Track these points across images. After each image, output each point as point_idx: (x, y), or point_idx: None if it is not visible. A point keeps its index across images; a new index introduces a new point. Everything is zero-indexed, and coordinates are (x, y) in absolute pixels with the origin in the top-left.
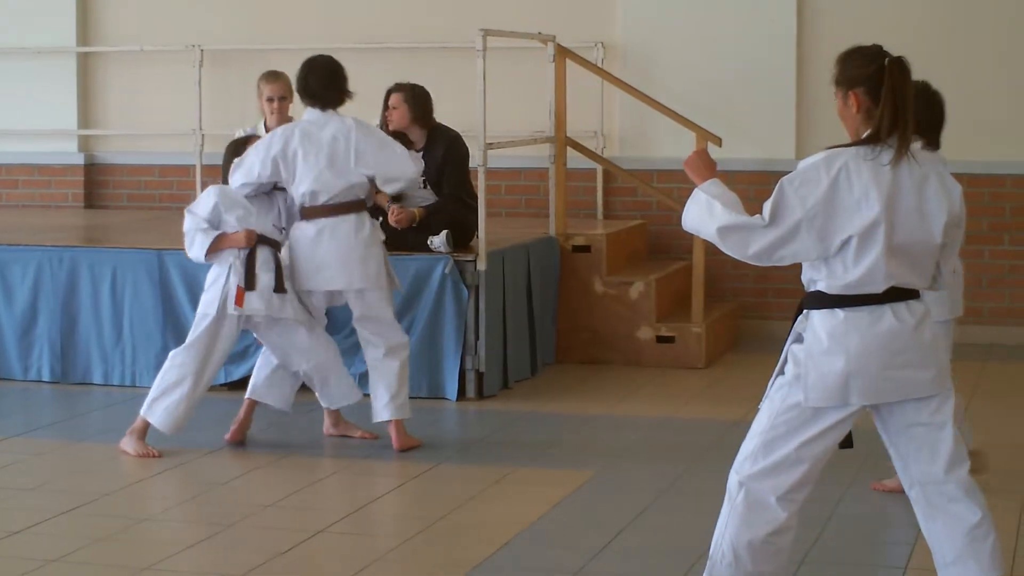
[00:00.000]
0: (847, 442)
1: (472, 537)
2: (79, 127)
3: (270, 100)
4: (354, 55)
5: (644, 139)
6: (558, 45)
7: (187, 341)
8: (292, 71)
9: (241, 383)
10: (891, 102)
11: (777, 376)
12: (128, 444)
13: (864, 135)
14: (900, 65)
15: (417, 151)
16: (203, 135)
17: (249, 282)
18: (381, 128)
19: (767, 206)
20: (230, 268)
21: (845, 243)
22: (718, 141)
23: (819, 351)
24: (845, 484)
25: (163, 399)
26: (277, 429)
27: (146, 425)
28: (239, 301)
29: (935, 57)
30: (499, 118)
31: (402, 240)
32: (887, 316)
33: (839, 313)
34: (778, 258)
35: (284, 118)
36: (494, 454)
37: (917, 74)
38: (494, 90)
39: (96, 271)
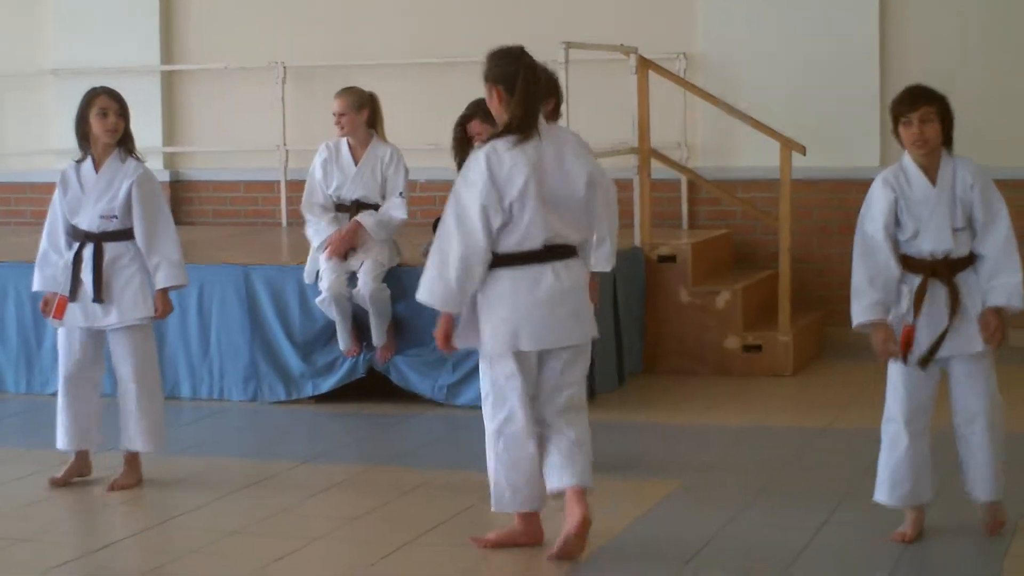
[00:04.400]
0: None
1: None
2: (164, 144)
3: (334, 115)
4: (437, 70)
5: (727, 149)
6: (640, 56)
7: None
8: (375, 86)
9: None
10: (523, 97)
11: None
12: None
13: (501, 127)
14: (532, 67)
15: None
16: (287, 151)
17: (73, 291)
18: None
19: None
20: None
21: (510, 208)
22: (802, 150)
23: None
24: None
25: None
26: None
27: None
28: (59, 312)
29: (1013, 59)
30: (581, 129)
31: None
32: (547, 274)
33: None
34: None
35: (354, 131)
36: None
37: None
38: (576, 101)
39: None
